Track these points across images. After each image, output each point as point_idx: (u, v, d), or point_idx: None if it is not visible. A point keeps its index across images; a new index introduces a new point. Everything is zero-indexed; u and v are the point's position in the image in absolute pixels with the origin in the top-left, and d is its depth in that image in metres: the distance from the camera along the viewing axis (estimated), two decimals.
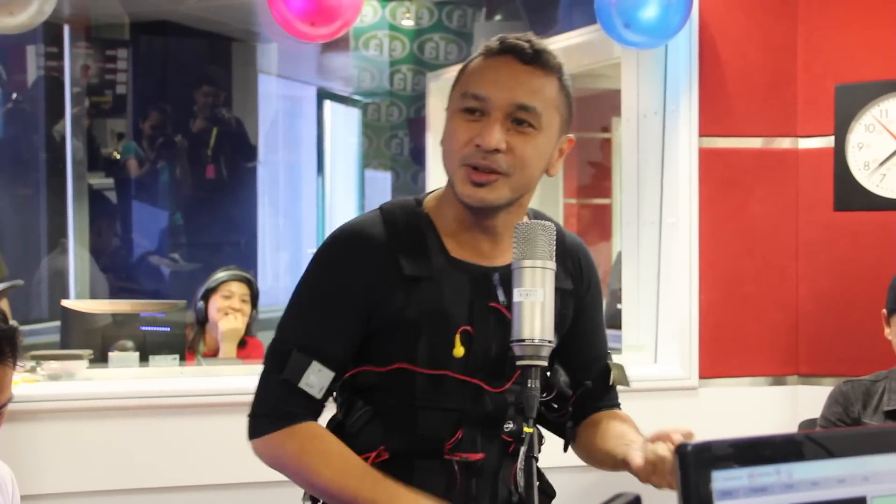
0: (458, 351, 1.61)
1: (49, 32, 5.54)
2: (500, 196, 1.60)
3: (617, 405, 1.83)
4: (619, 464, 1.63)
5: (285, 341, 1.64)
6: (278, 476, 2.90)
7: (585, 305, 1.77)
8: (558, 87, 1.63)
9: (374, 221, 1.66)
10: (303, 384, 1.60)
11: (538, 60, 1.59)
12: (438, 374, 1.61)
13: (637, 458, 1.51)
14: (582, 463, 2.83)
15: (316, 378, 1.61)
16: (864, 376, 2.68)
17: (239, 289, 3.76)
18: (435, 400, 1.62)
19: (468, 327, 1.61)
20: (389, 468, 1.61)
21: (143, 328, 3.33)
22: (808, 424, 2.95)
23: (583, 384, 1.73)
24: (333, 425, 1.69)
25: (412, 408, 1.62)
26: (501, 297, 1.63)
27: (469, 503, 1.65)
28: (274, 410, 1.63)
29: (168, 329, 3.37)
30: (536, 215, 1.69)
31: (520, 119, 1.58)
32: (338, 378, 1.64)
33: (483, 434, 1.64)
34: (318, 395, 1.61)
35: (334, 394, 1.69)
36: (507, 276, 1.57)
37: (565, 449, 1.79)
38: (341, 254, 1.65)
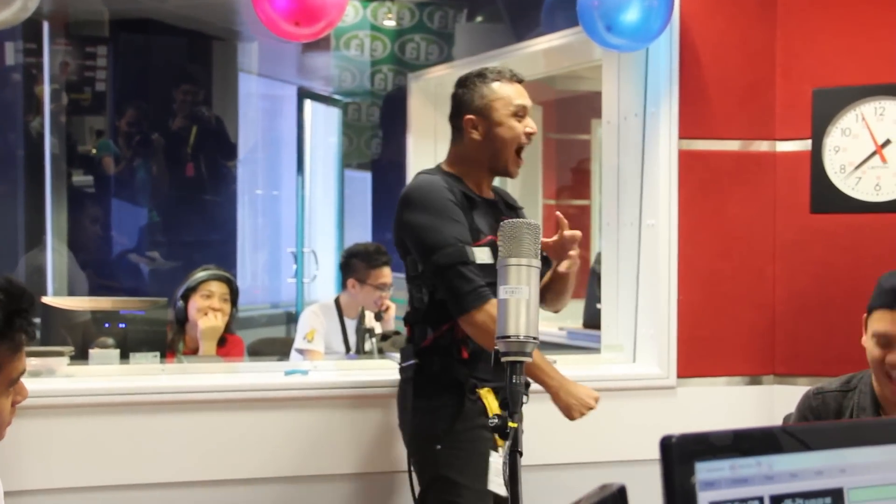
0: None
1: (28, 28, 5.50)
2: None
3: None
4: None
5: (450, 245, 2.50)
6: (258, 473, 2.93)
7: (522, 215, 2.72)
8: None
9: (432, 178, 2.62)
10: (478, 260, 2.50)
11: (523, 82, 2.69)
12: (490, 265, 2.48)
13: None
14: (571, 461, 2.97)
15: (482, 253, 2.52)
16: (833, 381, 2.55)
17: (219, 288, 3.75)
18: (485, 278, 2.48)
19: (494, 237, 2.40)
20: (458, 330, 2.56)
21: (124, 326, 3.33)
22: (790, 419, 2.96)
23: None
24: (424, 310, 2.60)
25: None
26: (504, 213, 2.64)
27: None
28: (476, 287, 2.48)
29: (149, 326, 3.37)
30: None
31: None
32: None
33: None
34: (491, 259, 2.48)
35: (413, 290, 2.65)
36: (497, 202, 2.72)
37: None
38: (434, 190, 2.56)
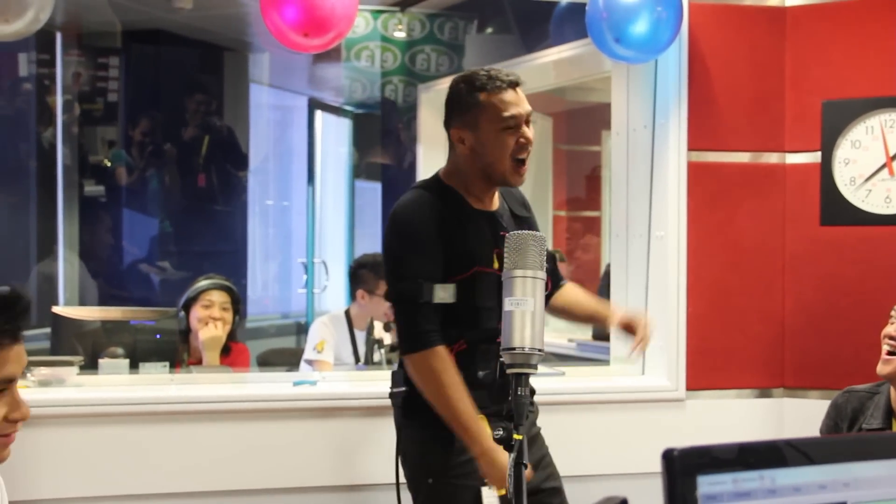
0: (496, 265, 2.35)
1: (41, 40, 5.54)
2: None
3: (565, 283, 2.73)
4: (592, 316, 2.78)
5: (410, 279, 2.33)
6: (267, 483, 2.93)
7: (532, 222, 2.56)
8: None
9: (423, 195, 2.42)
10: (437, 300, 2.32)
11: (519, 85, 2.41)
12: (486, 284, 2.34)
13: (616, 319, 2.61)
14: (579, 473, 2.98)
15: (443, 293, 2.33)
16: (867, 385, 2.59)
17: (219, 297, 3.72)
18: (487, 302, 2.34)
19: (497, 250, 2.31)
20: (466, 353, 2.37)
21: (134, 335, 3.34)
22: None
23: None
24: None
25: (475, 309, 2.35)
26: (505, 226, 2.42)
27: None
28: (420, 331, 2.32)
29: (159, 336, 3.38)
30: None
31: (528, 120, 2.40)
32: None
33: None
34: (452, 299, 2.33)
35: None
36: (501, 214, 2.48)
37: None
38: (416, 215, 2.38)
